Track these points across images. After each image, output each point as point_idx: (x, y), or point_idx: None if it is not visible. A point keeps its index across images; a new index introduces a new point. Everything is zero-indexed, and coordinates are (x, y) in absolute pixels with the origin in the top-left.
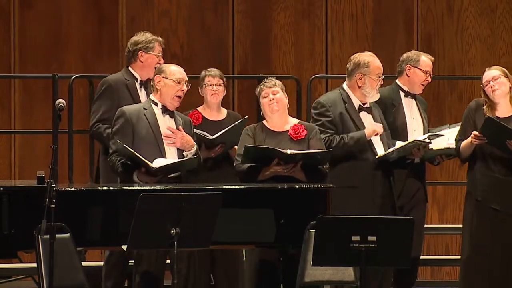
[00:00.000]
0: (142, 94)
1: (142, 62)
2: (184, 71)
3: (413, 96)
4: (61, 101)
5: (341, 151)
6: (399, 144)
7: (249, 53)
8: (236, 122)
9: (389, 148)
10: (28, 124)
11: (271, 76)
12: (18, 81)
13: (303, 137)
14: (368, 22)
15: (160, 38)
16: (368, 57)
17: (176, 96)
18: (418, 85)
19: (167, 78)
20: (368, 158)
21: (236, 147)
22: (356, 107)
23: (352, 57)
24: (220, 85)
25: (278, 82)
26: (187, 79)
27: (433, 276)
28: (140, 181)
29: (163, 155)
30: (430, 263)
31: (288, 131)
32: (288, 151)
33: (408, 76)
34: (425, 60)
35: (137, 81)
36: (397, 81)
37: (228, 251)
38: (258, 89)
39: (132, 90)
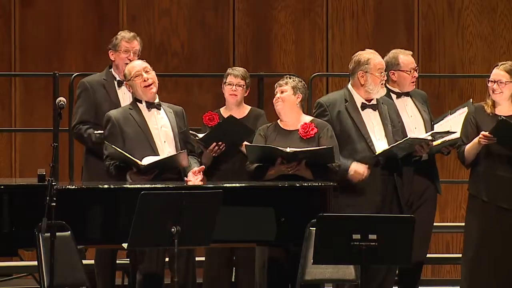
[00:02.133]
0: (121, 93)
1: (113, 60)
2: (185, 70)
3: (407, 94)
4: (61, 99)
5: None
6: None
7: (249, 51)
8: (221, 121)
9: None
10: (29, 122)
11: (271, 75)
12: (18, 80)
13: (312, 135)
14: (369, 20)
15: (128, 35)
16: (368, 54)
17: (145, 87)
18: (408, 85)
19: (130, 80)
20: (365, 156)
21: (244, 143)
22: (359, 105)
23: (353, 56)
24: (240, 85)
25: (291, 81)
26: (147, 65)
27: (434, 275)
28: (133, 181)
29: (155, 151)
30: (430, 261)
31: (298, 129)
32: (288, 149)
33: (394, 81)
34: (404, 59)
35: (115, 81)
36: (387, 85)
37: (248, 249)
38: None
39: (109, 89)
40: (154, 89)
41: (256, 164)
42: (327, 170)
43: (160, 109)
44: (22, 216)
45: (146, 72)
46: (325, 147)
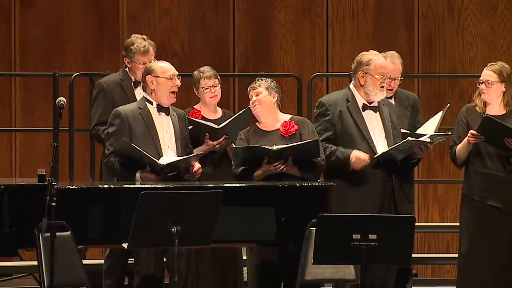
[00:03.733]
0: (138, 93)
1: (129, 67)
2: (185, 69)
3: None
4: (61, 99)
5: (332, 163)
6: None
7: (249, 51)
8: (240, 112)
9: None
10: (29, 122)
11: (272, 75)
12: (19, 79)
13: (294, 132)
14: (369, 20)
15: (144, 47)
16: (371, 55)
17: (171, 92)
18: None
19: (159, 76)
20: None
21: (233, 144)
22: (360, 106)
23: (357, 56)
24: (216, 85)
25: (264, 82)
26: (177, 72)
27: (434, 274)
28: (143, 180)
29: (159, 154)
30: (430, 261)
31: (279, 129)
32: (274, 147)
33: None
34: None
35: (132, 82)
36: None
37: (226, 249)
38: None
39: (127, 90)
40: (174, 99)
41: (242, 168)
42: (313, 165)
43: (168, 114)
44: (22, 216)
45: (178, 79)
46: (311, 140)
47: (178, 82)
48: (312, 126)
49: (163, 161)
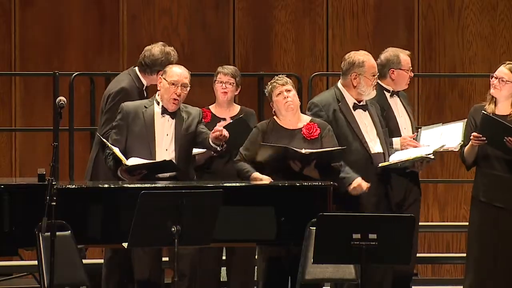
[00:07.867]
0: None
1: (152, 77)
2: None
3: (397, 94)
4: (62, 98)
5: None
6: (403, 154)
7: (250, 51)
8: (231, 121)
9: (386, 146)
10: (29, 121)
11: (272, 74)
12: (19, 79)
13: (316, 136)
14: (369, 20)
15: (173, 56)
16: (363, 56)
17: (172, 99)
18: (405, 84)
19: (166, 79)
20: (361, 157)
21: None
22: (351, 105)
23: (346, 56)
24: (230, 83)
25: (289, 80)
26: (187, 82)
27: (434, 274)
28: (122, 177)
29: (152, 156)
30: (430, 260)
31: (301, 129)
32: (303, 151)
33: (393, 79)
34: (405, 59)
35: (143, 87)
36: (380, 82)
37: (241, 249)
38: (269, 87)
39: (141, 96)
40: (175, 106)
41: (243, 167)
42: (332, 169)
43: (174, 118)
44: (22, 216)
45: (182, 87)
46: (339, 147)
47: (179, 90)
48: (331, 130)
49: (130, 162)
